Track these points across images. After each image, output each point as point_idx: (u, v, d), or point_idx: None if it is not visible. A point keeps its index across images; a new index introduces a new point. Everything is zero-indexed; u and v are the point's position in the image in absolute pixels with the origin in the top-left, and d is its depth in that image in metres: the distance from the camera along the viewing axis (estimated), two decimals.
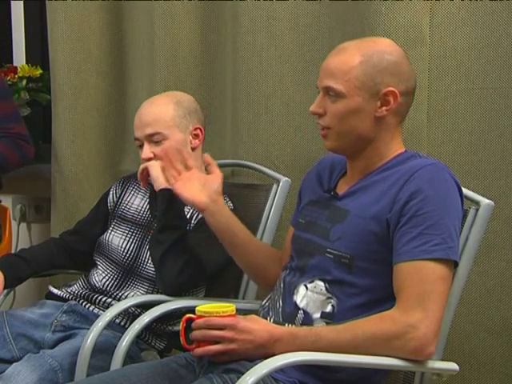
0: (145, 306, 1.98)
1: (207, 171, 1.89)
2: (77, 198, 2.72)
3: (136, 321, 1.85)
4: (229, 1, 2.42)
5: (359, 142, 1.66)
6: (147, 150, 2.12)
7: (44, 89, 2.94)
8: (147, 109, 2.17)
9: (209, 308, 1.59)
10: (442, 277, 1.54)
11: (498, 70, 2.11)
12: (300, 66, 2.34)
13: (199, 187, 1.82)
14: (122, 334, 1.85)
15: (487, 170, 2.14)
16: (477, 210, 1.68)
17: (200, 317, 1.58)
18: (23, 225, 3.06)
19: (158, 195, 2.04)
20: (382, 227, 1.59)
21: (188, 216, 2.11)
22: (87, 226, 2.32)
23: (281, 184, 2.18)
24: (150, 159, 2.10)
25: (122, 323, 2.06)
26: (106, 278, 2.17)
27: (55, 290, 2.21)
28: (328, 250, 1.64)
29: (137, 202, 2.25)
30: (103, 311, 2.02)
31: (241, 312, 1.68)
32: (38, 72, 2.95)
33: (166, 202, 2.01)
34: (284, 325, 1.63)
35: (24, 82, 2.92)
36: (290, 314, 1.65)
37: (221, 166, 1.94)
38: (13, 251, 2.64)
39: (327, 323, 1.61)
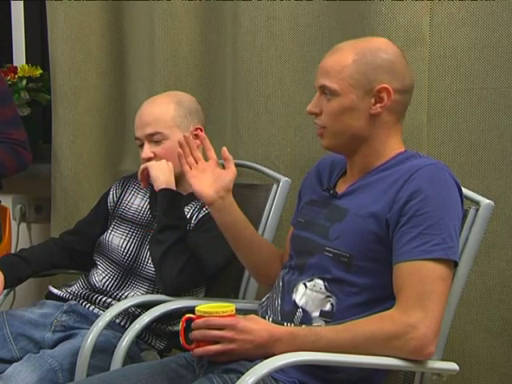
0: (145, 306, 1.98)
1: (222, 167, 1.86)
2: (77, 198, 2.72)
3: (136, 321, 1.85)
4: (229, 1, 2.42)
5: (354, 140, 1.66)
6: (147, 150, 2.12)
7: (44, 89, 2.94)
8: (148, 108, 2.17)
9: (208, 308, 1.59)
10: (442, 277, 1.54)
11: (498, 70, 2.11)
12: (300, 66, 2.33)
13: (211, 180, 1.80)
14: (122, 334, 1.85)
15: (487, 169, 2.13)
16: (477, 210, 1.68)
17: (200, 317, 1.58)
18: (23, 225, 3.06)
19: (158, 195, 2.05)
20: (382, 227, 1.59)
21: (188, 216, 2.11)
22: (87, 226, 2.32)
23: (281, 184, 2.18)
24: (150, 159, 2.11)
25: (122, 323, 2.06)
26: (106, 277, 2.17)
27: (55, 290, 2.21)
28: (327, 248, 1.64)
29: (137, 202, 2.25)
30: (103, 311, 2.02)
31: (241, 312, 1.68)
32: (38, 72, 2.95)
33: (167, 202, 2.02)
34: (283, 323, 1.63)
35: (24, 81, 2.92)
36: (289, 312, 1.65)
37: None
38: (13, 251, 2.64)
39: (326, 322, 1.61)
